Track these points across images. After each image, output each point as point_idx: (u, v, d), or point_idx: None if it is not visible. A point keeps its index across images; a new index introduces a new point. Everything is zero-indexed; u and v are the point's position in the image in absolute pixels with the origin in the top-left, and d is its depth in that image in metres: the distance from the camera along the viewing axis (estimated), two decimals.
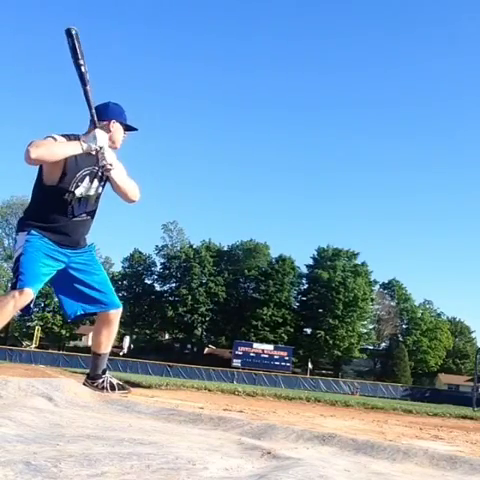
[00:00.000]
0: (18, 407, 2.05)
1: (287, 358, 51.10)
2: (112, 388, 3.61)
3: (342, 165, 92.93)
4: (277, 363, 50.39)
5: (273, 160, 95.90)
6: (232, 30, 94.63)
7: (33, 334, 51.20)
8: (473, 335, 72.98)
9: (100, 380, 3.64)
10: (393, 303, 67.39)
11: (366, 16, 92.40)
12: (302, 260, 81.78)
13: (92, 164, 3.36)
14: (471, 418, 7.30)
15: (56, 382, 2.90)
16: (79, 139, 3.31)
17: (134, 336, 64.92)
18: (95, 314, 3.74)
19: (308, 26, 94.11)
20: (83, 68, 3.25)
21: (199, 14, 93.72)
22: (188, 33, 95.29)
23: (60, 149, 3.22)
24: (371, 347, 66.41)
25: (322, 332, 58.48)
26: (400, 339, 64.90)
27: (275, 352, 51.49)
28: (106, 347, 3.69)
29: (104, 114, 3.43)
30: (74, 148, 3.23)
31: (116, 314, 3.65)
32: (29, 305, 3.51)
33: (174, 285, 64.07)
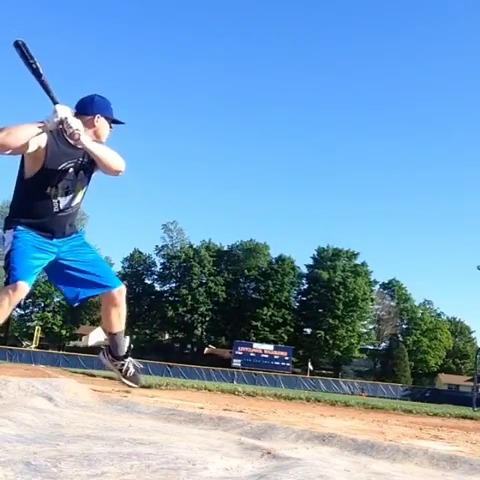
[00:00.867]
0: (18, 407, 2.05)
1: (287, 358, 51.10)
2: (131, 378, 3.64)
3: (342, 165, 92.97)
4: (277, 363, 50.39)
5: (273, 160, 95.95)
6: (232, 30, 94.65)
7: (33, 334, 51.20)
8: (473, 335, 73.03)
9: (121, 362, 3.62)
10: (393, 303, 67.37)
11: (366, 16, 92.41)
12: (302, 260, 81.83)
13: (76, 156, 3.27)
14: (471, 418, 7.30)
15: (56, 382, 2.90)
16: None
17: (134, 336, 64.92)
18: (96, 296, 3.75)
19: (308, 26, 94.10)
20: (34, 65, 3.24)
21: (199, 14, 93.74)
22: (188, 33, 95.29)
23: (23, 131, 3.08)
24: (371, 347, 66.39)
25: (322, 332, 58.46)
26: (400, 339, 64.88)
27: (275, 352, 51.49)
28: (119, 326, 3.65)
29: (89, 108, 3.35)
30: (38, 128, 3.12)
31: (118, 293, 3.58)
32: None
33: (174, 285, 64.05)
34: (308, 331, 62.15)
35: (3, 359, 36.42)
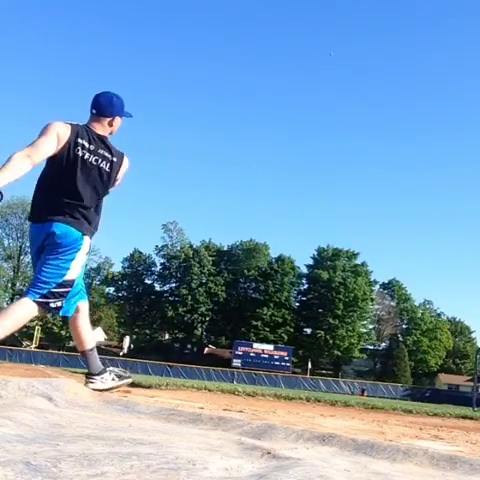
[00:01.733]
0: (18, 407, 2.05)
1: (287, 358, 51.10)
2: (123, 377, 3.68)
3: (342, 165, 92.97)
4: (277, 363, 50.39)
5: (273, 160, 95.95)
6: (232, 29, 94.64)
7: (33, 334, 51.19)
8: (473, 335, 73.07)
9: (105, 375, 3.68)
10: (393, 303, 67.38)
11: (364, 16, 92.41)
12: (302, 260, 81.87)
13: None
14: (471, 418, 7.29)
15: (56, 382, 2.90)
16: (79, 127, 3.42)
17: (134, 336, 64.88)
18: None
19: (307, 26, 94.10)
20: None
21: (199, 14, 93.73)
22: (188, 33, 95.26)
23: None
24: (371, 347, 66.40)
25: (322, 332, 58.47)
26: (400, 339, 64.88)
27: (275, 352, 51.48)
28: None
29: (108, 111, 3.48)
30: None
31: None
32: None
33: (174, 285, 64.05)
34: (308, 331, 62.15)
35: (3, 359, 36.41)
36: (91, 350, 3.66)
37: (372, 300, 64.04)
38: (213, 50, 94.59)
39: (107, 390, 3.57)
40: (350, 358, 62.06)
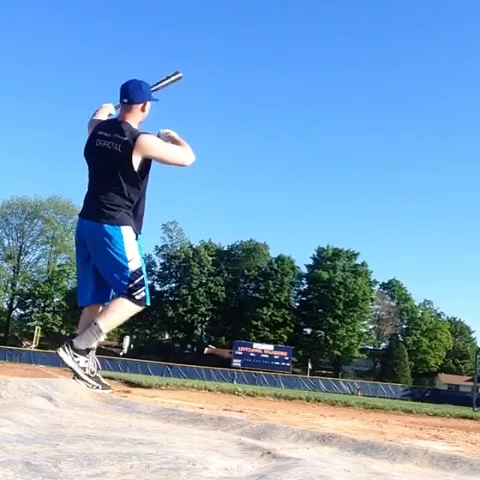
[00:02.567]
0: (18, 407, 2.05)
1: (287, 358, 51.11)
2: (95, 378, 3.50)
3: (342, 165, 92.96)
4: (277, 363, 50.40)
5: (273, 160, 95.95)
6: (232, 29, 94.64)
7: (33, 334, 51.19)
8: (473, 335, 73.05)
9: (84, 357, 3.49)
10: (393, 303, 67.38)
11: (364, 16, 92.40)
12: (302, 260, 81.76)
13: None
14: (471, 418, 7.30)
15: (56, 382, 2.90)
16: (105, 120, 3.72)
17: (134, 336, 64.87)
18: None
19: (307, 26, 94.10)
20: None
21: (198, 14, 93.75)
22: (188, 32, 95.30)
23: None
24: (371, 347, 66.40)
25: (322, 332, 58.47)
26: (400, 339, 64.88)
27: (275, 352, 51.49)
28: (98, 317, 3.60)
29: (139, 97, 3.62)
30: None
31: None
32: None
33: (174, 285, 64.05)
34: (308, 331, 62.16)
35: (3, 359, 36.41)
36: (95, 323, 3.47)
37: (372, 300, 64.04)
38: (212, 49, 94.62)
39: (69, 368, 3.43)
40: (350, 358, 62.05)
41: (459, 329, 72.85)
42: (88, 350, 3.48)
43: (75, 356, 3.39)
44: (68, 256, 65.65)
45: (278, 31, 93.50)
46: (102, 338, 3.50)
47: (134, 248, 3.50)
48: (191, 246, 64.80)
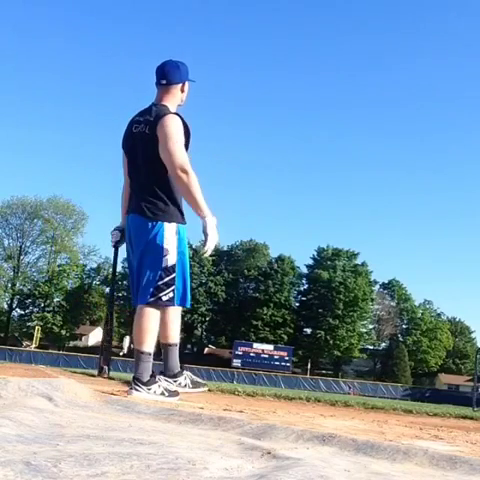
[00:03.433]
0: (18, 407, 2.05)
1: (287, 358, 51.11)
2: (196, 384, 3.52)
3: (342, 165, 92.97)
4: (277, 363, 50.40)
5: (273, 160, 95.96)
6: (232, 29, 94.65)
7: (33, 334, 51.18)
8: (473, 335, 73.07)
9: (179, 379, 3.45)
10: (393, 303, 67.38)
11: (366, 15, 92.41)
12: (302, 260, 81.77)
13: None
14: (471, 418, 7.29)
15: (56, 382, 2.90)
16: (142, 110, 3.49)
17: None
18: None
19: (307, 26, 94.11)
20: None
21: (198, 13, 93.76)
22: (187, 32, 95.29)
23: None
24: (371, 347, 66.40)
25: (322, 332, 58.47)
26: (400, 339, 64.90)
27: (275, 352, 51.50)
28: (165, 337, 3.45)
29: (178, 77, 3.47)
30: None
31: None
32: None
33: None
34: (308, 331, 62.16)
35: (3, 359, 36.41)
36: (141, 352, 3.30)
37: (372, 300, 64.04)
38: (211, 49, 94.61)
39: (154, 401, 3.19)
40: (350, 358, 62.06)
41: (459, 329, 72.87)
42: (153, 374, 3.39)
43: (149, 389, 3.30)
44: (68, 256, 65.68)
45: (278, 31, 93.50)
46: (151, 355, 3.36)
47: (173, 244, 3.31)
48: (191, 246, 64.80)
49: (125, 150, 3.47)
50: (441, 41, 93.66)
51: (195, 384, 3.49)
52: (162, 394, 3.35)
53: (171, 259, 3.30)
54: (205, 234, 3.26)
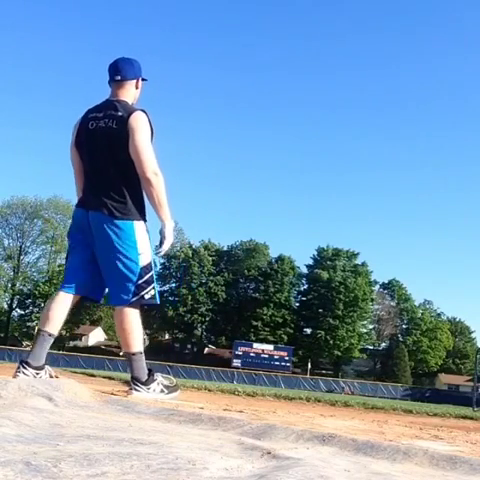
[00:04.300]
0: (18, 407, 2.05)
1: (287, 358, 51.11)
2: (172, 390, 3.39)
3: (342, 165, 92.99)
4: (277, 363, 50.40)
5: (273, 160, 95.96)
6: (232, 29, 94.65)
7: (33, 334, 51.11)
8: (473, 335, 73.07)
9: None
10: (393, 303, 67.37)
11: (363, 16, 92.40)
12: (302, 260, 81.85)
13: None
14: (471, 418, 7.30)
15: (56, 382, 2.90)
16: (93, 106, 3.41)
17: None
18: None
19: (307, 26, 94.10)
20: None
21: (198, 14, 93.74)
22: (187, 33, 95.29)
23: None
24: (371, 347, 66.38)
25: (322, 332, 58.45)
26: (400, 339, 64.88)
27: (275, 352, 51.50)
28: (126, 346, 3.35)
29: (132, 73, 3.43)
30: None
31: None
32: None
33: (174, 285, 64.06)
34: (308, 331, 62.14)
35: (3, 359, 36.40)
36: (132, 354, 3.29)
37: (372, 300, 64.02)
38: (211, 49, 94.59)
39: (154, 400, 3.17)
40: (350, 358, 62.03)
41: (459, 329, 72.86)
42: (150, 372, 3.36)
43: (148, 388, 3.28)
44: None
45: (277, 31, 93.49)
46: (142, 353, 3.34)
47: (146, 242, 3.28)
48: (191, 246, 64.79)
49: (80, 147, 3.35)
50: (441, 41, 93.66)
51: (169, 389, 3.41)
52: (162, 392, 3.35)
53: (146, 257, 3.27)
54: (163, 237, 3.27)
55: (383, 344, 66.86)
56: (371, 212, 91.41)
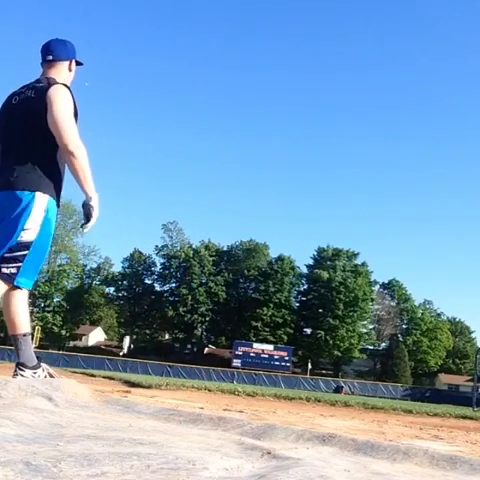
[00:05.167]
0: (18, 407, 2.05)
1: (287, 358, 51.10)
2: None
3: (342, 165, 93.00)
4: (277, 363, 50.39)
5: (273, 160, 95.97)
6: (232, 30, 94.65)
7: (33, 334, 51.07)
8: (473, 335, 73.05)
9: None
10: (393, 303, 67.34)
11: (364, 16, 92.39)
12: (302, 260, 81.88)
13: None
14: (471, 418, 7.30)
15: (56, 382, 2.90)
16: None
17: (134, 336, 64.86)
18: None
19: (307, 26, 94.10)
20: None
21: (198, 14, 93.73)
22: (188, 33, 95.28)
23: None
24: (371, 347, 66.34)
25: (322, 332, 58.42)
26: (400, 339, 64.85)
27: (275, 352, 51.48)
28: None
29: (64, 54, 3.31)
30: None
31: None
32: None
33: (174, 285, 64.05)
34: (308, 331, 62.10)
35: (3, 359, 36.40)
36: (24, 335, 3.12)
37: (372, 300, 63.98)
38: (211, 49, 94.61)
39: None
40: (350, 358, 61.99)
41: (459, 329, 72.83)
42: (38, 359, 3.25)
43: (34, 372, 3.15)
44: (68, 256, 65.66)
45: (276, 32, 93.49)
46: (27, 335, 3.15)
47: (39, 219, 2.99)
48: (191, 246, 64.76)
49: (2, 123, 3.17)
50: (441, 42, 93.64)
51: (52, 377, 3.31)
52: (46, 378, 3.22)
53: (29, 235, 2.98)
54: (90, 212, 3.04)
55: (383, 344, 66.82)
56: (371, 212, 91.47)
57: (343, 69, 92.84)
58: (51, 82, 3.10)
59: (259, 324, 58.89)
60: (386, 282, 68.61)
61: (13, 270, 2.95)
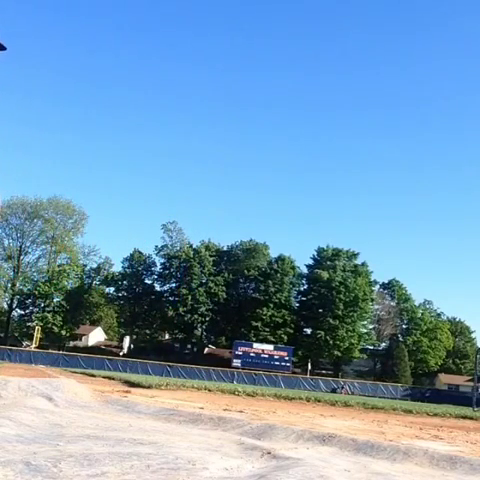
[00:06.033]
0: (18, 407, 2.05)
1: (287, 358, 51.06)
2: None
3: (342, 165, 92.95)
4: (277, 363, 50.35)
5: (273, 160, 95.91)
6: (232, 30, 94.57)
7: (33, 334, 51.11)
8: (473, 335, 72.97)
9: None
10: (393, 303, 67.24)
11: (364, 16, 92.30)
12: (302, 260, 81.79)
13: None
14: (471, 418, 7.29)
15: (56, 382, 2.90)
16: None
17: (134, 336, 64.76)
18: None
19: (307, 26, 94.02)
20: None
21: (199, 14, 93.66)
22: (188, 33, 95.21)
23: None
24: (371, 347, 66.24)
25: (322, 332, 58.33)
26: (400, 339, 64.76)
27: (275, 352, 51.44)
28: None
29: None
30: None
31: None
32: None
33: (174, 285, 63.92)
34: (308, 331, 61.99)
35: (3, 359, 36.37)
36: None
37: (372, 300, 63.88)
38: (212, 50, 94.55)
39: None
40: (350, 358, 61.91)
41: (459, 329, 72.74)
42: None
43: None
44: (68, 256, 65.58)
45: (276, 32, 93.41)
46: None
47: None
48: (191, 246, 64.64)
49: None
50: (442, 43, 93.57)
51: None
52: None
53: None
54: None
55: (383, 344, 66.72)
56: (371, 212, 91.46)
57: (343, 69, 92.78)
58: None
59: (259, 324, 58.79)
60: (386, 282, 68.53)
61: None
